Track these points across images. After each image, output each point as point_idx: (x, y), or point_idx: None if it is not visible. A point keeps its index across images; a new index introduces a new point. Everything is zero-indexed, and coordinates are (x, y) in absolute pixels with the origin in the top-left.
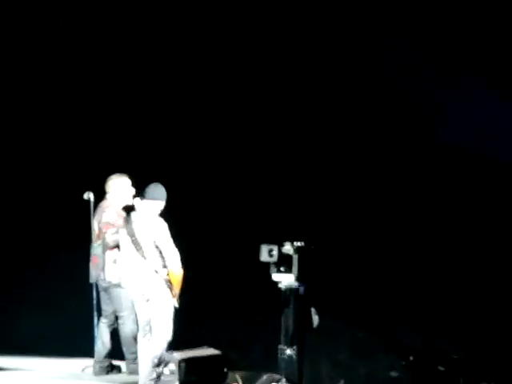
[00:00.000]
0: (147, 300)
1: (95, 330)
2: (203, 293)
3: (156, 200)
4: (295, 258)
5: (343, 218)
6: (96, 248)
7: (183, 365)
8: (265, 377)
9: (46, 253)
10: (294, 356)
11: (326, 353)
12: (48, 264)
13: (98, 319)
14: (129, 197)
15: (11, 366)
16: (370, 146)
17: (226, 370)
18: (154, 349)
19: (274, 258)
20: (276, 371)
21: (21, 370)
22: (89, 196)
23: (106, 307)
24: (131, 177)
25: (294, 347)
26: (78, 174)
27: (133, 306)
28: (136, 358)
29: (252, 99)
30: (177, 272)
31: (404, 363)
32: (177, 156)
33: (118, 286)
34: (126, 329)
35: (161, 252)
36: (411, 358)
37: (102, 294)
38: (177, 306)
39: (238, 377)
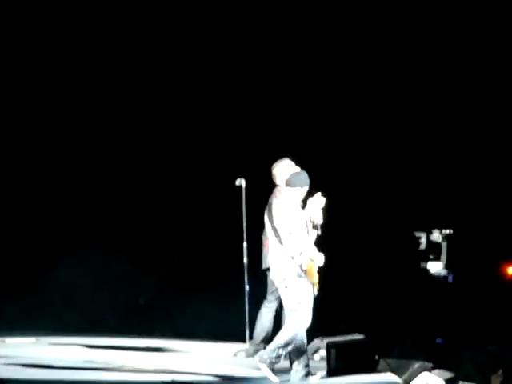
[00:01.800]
0: (285, 286)
1: (246, 315)
2: (351, 282)
3: (296, 187)
4: (444, 245)
5: (491, 206)
6: None
7: (333, 351)
8: (416, 365)
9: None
10: (447, 344)
11: (476, 342)
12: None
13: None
14: None
15: (170, 348)
16: None
17: (376, 356)
18: (286, 330)
19: (423, 246)
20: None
21: (178, 352)
22: (241, 182)
23: (272, 292)
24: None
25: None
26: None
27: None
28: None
29: None
30: (313, 259)
31: None
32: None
33: None
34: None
35: (304, 238)
36: None
37: (270, 280)
38: (315, 293)
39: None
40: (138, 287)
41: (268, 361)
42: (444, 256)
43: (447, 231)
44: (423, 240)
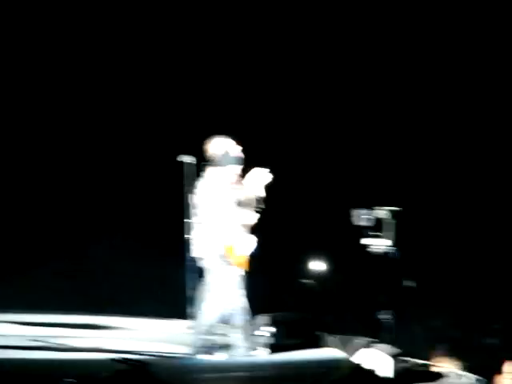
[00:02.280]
0: (220, 271)
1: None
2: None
3: (223, 167)
4: (391, 223)
5: (439, 183)
6: None
7: (278, 328)
8: (361, 341)
9: None
10: (390, 320)
11: (420, 318)
12: None
13: None
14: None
15: (123, 326)
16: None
17: (319, 333)
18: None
19: (370, 223)
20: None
21: (127, 329)
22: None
23: None
24: None
25: (390, 312)
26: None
27: None
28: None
29: None
30: (237, 241)
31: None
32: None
33: None
34: None
35: (223, 220)
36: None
37: None
38: (242, 273)
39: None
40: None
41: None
42: (390, 233)
43: (394, 208)
44: (370, 217)
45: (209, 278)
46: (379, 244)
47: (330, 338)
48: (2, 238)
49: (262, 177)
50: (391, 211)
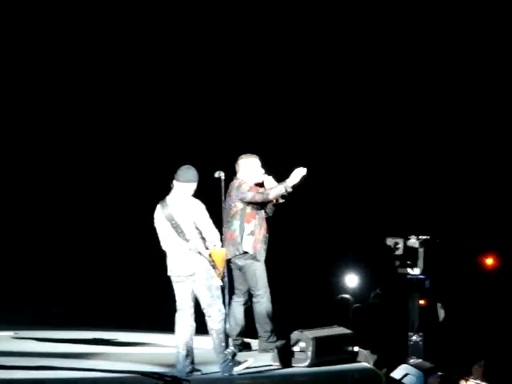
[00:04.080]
0: (193, 281)
1: (226, 308)
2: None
3: (189, 182)
4: (421, 251)
5: (468, 212)
6: (233, 224)
7: (315, 343)
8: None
9: None
10: (420, 342)
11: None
12: None
13: (230, 298)
14: (258, 176)
15: (141, 341)
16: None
17: (356, 348)
18: (215, 327)
19: (400, 251)
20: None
21: (149, 345)
22: (220, 174)
23: (240, 286)
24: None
25: (420, 334)
26: (208, 154)
27: (267, 283)
28: (270, 336)
29: None
30: (219, 251)
31: None
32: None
33: (255, 258)
34: (261, 307)
35: (201, 233)
36: None
37: (236, 273)
38: (222, 284)
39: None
40: None
41: (228, 361)
42: (421, 261)
43: (424, 237)
44: (400, 246)
45: (199, 287)
46: (413, 273)
47: (367, 354)
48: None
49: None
50: (421, 239)
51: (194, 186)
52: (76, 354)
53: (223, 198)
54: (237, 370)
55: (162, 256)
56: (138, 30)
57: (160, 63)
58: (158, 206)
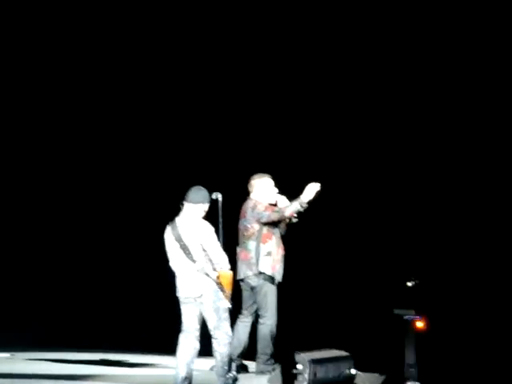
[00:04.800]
0: (201, 303)
1: None
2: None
3: (199, 203)
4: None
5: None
6: (248, 244)
7: (312, 366)
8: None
9: None
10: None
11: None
12: None
13: (236, 317)
14: (272, 196)
15: (145, 362)
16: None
17: (354, 371)
18: (220, 350)
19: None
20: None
21: (147, 366)
22: (217, 196)
23: (249, 307)
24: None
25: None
26: (206, 175)
27: (276, 307)
28: (268, 359)
29: None
30: (227, 274)
31: None
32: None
33: (270, 280)
34: (265, 329)
35: (208, 255)
36: None
37: (246, 294)
38: (230, 306)
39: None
40: None
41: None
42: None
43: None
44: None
45: (207, 309)
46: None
47: (365, 377)
48: None
49: (315, 188)
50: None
51: (204, 207)
52: (71, 376)
53: (220, 219)
54: None
55: (162, 277)
56: (151, 46)
57: (170, 82)
58: (168, 227)
